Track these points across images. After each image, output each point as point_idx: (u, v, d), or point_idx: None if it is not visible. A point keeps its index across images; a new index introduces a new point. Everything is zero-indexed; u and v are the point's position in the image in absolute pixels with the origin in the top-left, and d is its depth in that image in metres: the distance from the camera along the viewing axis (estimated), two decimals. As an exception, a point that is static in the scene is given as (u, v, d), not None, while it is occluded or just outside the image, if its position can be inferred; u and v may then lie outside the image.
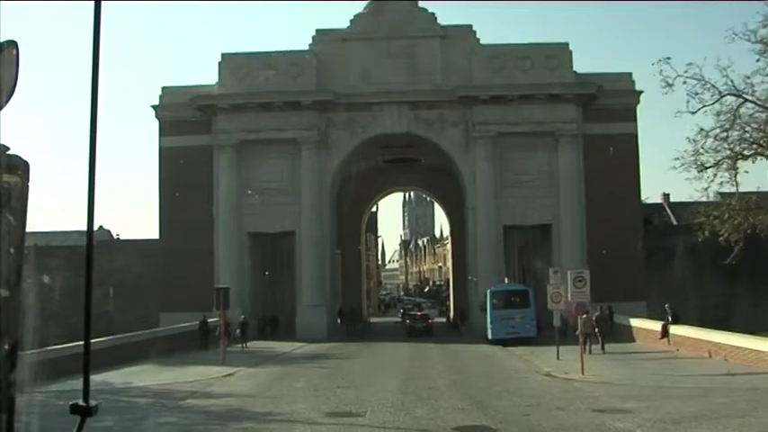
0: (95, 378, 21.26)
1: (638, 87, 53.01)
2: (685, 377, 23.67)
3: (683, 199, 71.32)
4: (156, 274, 50.96)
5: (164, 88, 54.78)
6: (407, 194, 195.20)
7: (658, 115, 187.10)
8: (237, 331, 41.52)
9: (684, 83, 31.07)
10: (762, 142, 32.25)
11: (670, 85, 30.48)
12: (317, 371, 29.82)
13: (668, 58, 31.73)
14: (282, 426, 17.30)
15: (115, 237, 72.94)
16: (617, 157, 49.77)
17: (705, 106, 31.87)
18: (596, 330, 34.57)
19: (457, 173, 54.66)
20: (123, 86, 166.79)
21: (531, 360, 31.53)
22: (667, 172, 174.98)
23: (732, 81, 31.51)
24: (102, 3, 2.29)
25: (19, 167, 2.07)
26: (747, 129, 32.32)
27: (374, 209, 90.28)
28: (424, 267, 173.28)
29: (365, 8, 54.83)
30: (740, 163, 32.96)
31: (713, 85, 31.68)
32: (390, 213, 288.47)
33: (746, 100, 31.64)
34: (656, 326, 36.26)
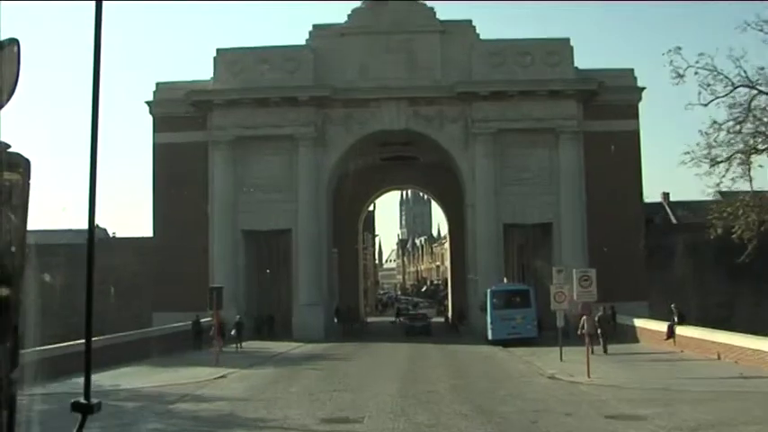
0: (83, 380, 20.57)
1: (638, 85, 52.29)
2: (695, 380, 22.79)
3: (683, 198, 71.77)
4: (150, 272, 50.11)
5: (158, 84, 53.97)
6: (404, 194, 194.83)
7: (658, 114, 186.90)
8: (233, 331, 40.74)
9: (696, 73, 30.02)
10: None
11: (681, 76, 29.51)
12: (312, 373, 28.90)
13: (679, 48, 30.74)
14: (275, 433, 16.44)
15: (111, 235, 71.94)
16: (618, 155, 48.89)
17: (718, 98, 30.85)
18: (598, 331, 33.68)
19: (456, 170, 53.84)
20: (118, 83, 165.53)
21: (533, 362, 30.65)
22: (667, 171, 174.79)
23: (745, 72, 30.54)
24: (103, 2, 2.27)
25: (20, 165, 2.05)
26: (764, 120, 31.22)
27: (371, 207, 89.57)
28: (422, 267, 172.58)
29: (363, 3, 53.91)
30: (754, 157, 31.91)
31: (726, 77, 30.67)
32: (387, 213, 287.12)
33: (760, 92, 30.62)
34: (661, 326, 35.45)
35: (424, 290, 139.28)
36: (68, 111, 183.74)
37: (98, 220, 61.71)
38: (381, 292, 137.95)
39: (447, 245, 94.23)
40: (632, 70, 53.01)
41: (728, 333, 28.75)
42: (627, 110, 51.04)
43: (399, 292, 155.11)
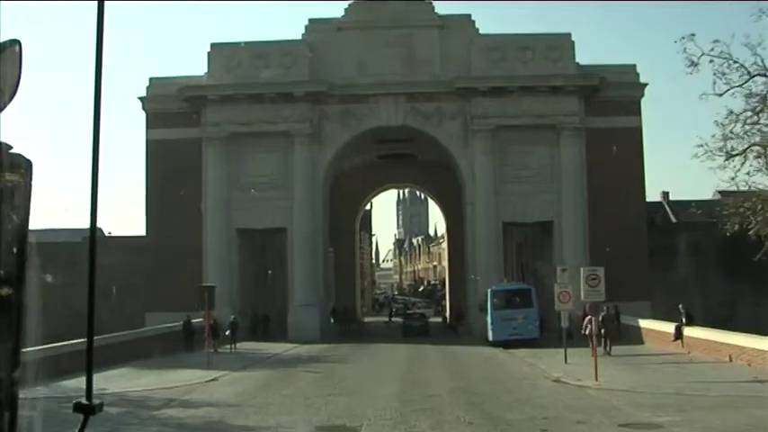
0: (69, 384, 19.39)
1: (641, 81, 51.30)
2: (709, 384, 21.67)
3: (683, 198, 71.05)
4: (142, 272, 49.09)
5: (151, 79, 52.90)
6: (401, 193, 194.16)
7: (656, 112, 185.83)
8: (227, 332, 39.82)
9: (711, 61, 28.80)
10: None
11: (695, 64, 28.27)
12: (307, 375, 27.76)
13: (692, 35, 29.50)
14: (266, 442, 15.34)
15: (107, 234, 70.82)
16: (620, 152, 47.96)
17: (733, 87, 29.58)
18: (602, 331, 32.59)
19: (455, 168, 52.87)
20: (111, 78, 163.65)
21: (536, 364, 29.57)
22: (666, 170, 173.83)
23: (762, 60, 29.31)
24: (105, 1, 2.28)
25: (22, 166, 2.05)
26: None
27: (368, 207, 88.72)
28: (419, 266, 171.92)
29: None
30: None
31: (742, 65, 29.44)
32: (384, 212, 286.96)
33: None
34: (667, 327, 34.45)
35: (421, 290, 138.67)
36: (67, 111, 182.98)
37: (82, 220, 61.25)
38: (378, 291, 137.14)
39: (444, 244, 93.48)
40: (634, 66, 52.17)
41: (740, 334, 27.60)
42: (629, 106, 50.15)
43: (396, 292, 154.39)
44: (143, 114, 52.13)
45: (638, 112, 51.02)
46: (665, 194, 71.35)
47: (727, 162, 30.50)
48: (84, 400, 2.28)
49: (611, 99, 49.32)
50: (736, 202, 32.19)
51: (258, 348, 40.07)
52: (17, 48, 2.11)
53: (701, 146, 30.06)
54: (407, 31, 50.76)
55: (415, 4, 51.50)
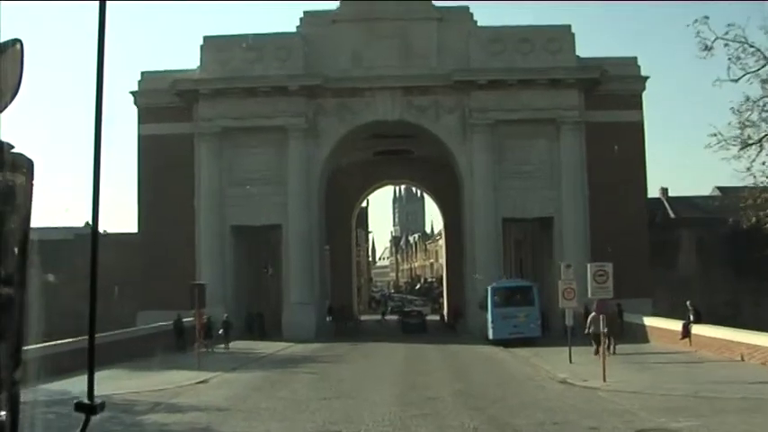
0: (53, 387, 18.31)
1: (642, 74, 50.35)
2: (724, 385, 20.59)
3: (681, 194, 70.29)
4: (134, 270, 47.97)
5: (143, 73, 51.94)
6: (398, 190, 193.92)
7: (654, 107, 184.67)
8: (220, 331, 39.08)
9: (726, 45, 27.57)
10: None
11: (708, 49, 27.06)
12: (302, 377, 26.62)
13: (706, 17, 28.27)
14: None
15: (102, 232, 69.81)
16: (621, 147, 46.98)
17: (748, 73, 28.34)
18: (605, 329, 31.54)
19: (453, 163, 51.87)
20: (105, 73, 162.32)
21: (540, 364, 28.51)
22: (665, 166, 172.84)
23: None
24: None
25: (23, 166, 2.05)
26: None
27: (364, 204, 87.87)
28: (416, 264, 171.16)
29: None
30: None
31: (758, 49, 28.20)
32: (380, 210, 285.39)
33: None
34: (672, 325, 33.44)
35: (417, 287, 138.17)
36: (66, 109, 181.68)
37: (86, 218, 60.46)
38: (375, 289, 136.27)
39: (441, 242, 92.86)
40: (635, 58, 51.22)
41: (753, 333, 26.51)
42: (630, 100, 49.22)
43: (393, 290, 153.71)
44: (135, 109, 51.06)
45: (640, 106, 50.15)
46: (664, 191, 70.65)
47: (741, 152, 29.24)
48: (85, 400, 2.26)
49: (612, 92, 48.43)
50: (753, 193, 30.89)
51: (252, 348, 39.11)
52: (18, 47, 2.10)
53: (714, 135, 28.75)
54: (404, 23, 49.79)
55: (412, -4, 50.48)
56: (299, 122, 49.01)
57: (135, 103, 50.84)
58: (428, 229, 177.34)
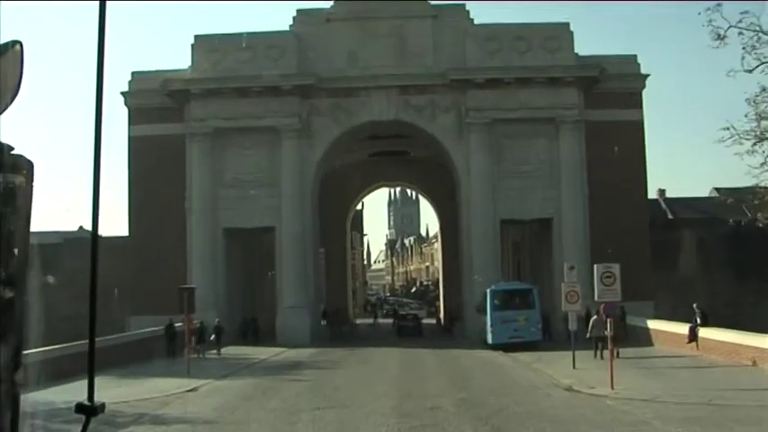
0: (37, 396, 17.31)
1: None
2: (738, 392, 19.62)
3: (678, 195, 69.72)
4: (125, 274, 46.90)
5: (133, 73, 50.87)
6: (393, 193, 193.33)
7: (651, 106, 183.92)
8: (212, 336, 38.14)
9: (740, 34, 26.44)
10: None
11: (721, 38, 25.95)
12: (295, 384, 25.50)
13: (719, 4, 27.11)
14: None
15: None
16: (622, 146, 46.21)
17: (763, 63, 27.20)
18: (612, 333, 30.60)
19: (449, 164, 50.93)
20: (93, 73, 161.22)
21: (542, 369, 27.53)
22: (661, 167, 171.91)
23: None
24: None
25: (23, 167, 2.06)
26: None
27: (359, 206, 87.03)
28: (411, 267, 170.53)
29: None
30: None
31: None
32: (375, 213, 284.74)
33: None
34: (677, 328, 32.53)
35: (413, 291, 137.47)
36: (60, 111, 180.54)
37: (81, 222, 59.69)
38: (370, 293, 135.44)
39: (437, 245, 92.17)
40: (635, 56, 50.42)
41: (763, 336, 25.37)
42: (630, 98, 48.42)
43: (388, 293, 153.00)
44: (125, 110, 50.04)
45: (640, 105, 49.38)
46: (662, 192, 69.95)
47: (756, 146, 28.05)
48: (85, 401, 2.29)
49: (612, 91, 47.64)
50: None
51: (245, 353, 38.18)
52: (18, 49, 2.11)
53: (727, 128, 27.56)
54: (399, 21, 48.98)
55: (407, -6, 49.56)
56: (293, 123, 48.08)
57: (125, 104, 49.84)
58: (423, 232, 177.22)
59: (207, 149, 48.38)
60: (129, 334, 38.82)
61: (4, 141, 2.00)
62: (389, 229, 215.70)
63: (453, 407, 19.31)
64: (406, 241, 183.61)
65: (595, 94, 47.64)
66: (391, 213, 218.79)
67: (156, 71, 50.04)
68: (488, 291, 39.82)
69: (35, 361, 20.52)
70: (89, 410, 2.28)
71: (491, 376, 26.88)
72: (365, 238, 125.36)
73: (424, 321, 61.26)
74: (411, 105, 48.55)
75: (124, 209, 49.49)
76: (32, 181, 2.06)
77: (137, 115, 49.18)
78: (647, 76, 49.33)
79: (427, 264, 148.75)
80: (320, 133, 49.08)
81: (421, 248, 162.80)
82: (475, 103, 47.47)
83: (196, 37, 49.78)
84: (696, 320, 31.07)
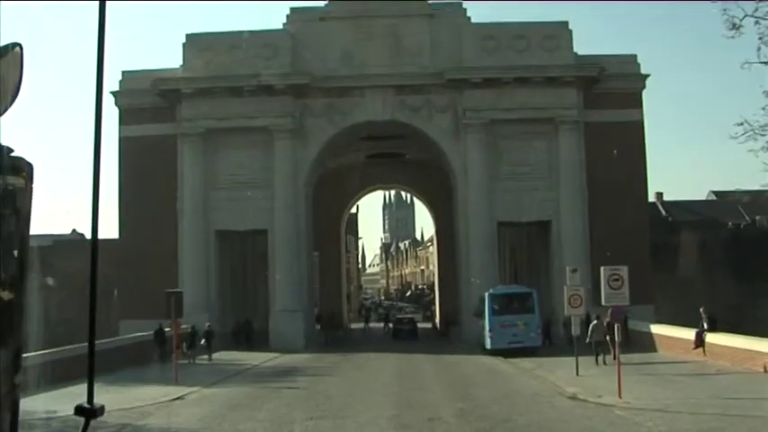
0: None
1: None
2: (756, 401, 18.57)
3: (674, 198, 69.19)
4: (116, 277, 45.90)
5: (124, 73, 49.82)
6: (387, 197, 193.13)
7: (649, 108, 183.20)
8: (202, 341, 37.18)
9: (757, 23, 25.33)
10: None
11: (737, 28, 24.88)
12: (286, 393, 24.34)
13: None
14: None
15: (81, 238, 67.83)
16: (621, 147, 45.53)
17: None
18: (608, 338, 29.64)
19: (446, 165, 50.12)
20: (85, 73, 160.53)
21: (545, 376, 26.48)
22: (658, 170, 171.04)
23: None
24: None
25: (23, 169, 2.05)
26: None
27: (354, 210, 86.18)
28: (406, 271, 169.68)
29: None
30: None
31: None
32: (370, 217, 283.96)
33: None
34: (681, 332, 31.57)
35: (408, 294, 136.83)
36: (59, 112, 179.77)
37: (74, 226, 58.96)
38: (365, 296, 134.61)
39: (432, 248, 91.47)
40: (635, 56, 49.73)
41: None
42: (630, 98, 47.75)
43: (383, 297, 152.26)
44: (115, 110, 49.02)
45: (640, 105, 48.76)
46: (659, 195, 69.43)
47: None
48: (85, 404, 2.27)
49: (611, 91, 47.03)
50: None
51: (236, 359, 37.15)
52: (18, 51, 2.11)
53: (741, 124, 26.41)
54: (395, 20, 48.18)
55: (403, -8, 48.65)
56: (286, 123, 47.23)
57: (116, 104, 48.73)
58: (418, 236, 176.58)
59: (199, 150, 47.57)
60: (117, 339, 37.67)
61: (3, 143, 1.98)
62: (384, 232, 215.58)
63: (454, 417, 18.24)
64: (401, 245, 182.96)
65: (595, 94, 47.07)
66: (386, 217, 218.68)
67: (147, 70, 49.16)
68: (487, 294, 38.77)
69: (34, 364, 20.47)
70: (89, 413, 2.24)
71: (492, 384, 25.77)
72: (360, 242, 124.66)
73: (420, 326, 60.31)
74: (407, 105, 47.72)
75: (114, 211, 48.56)
76: (32, 183, 2.04)
77: (127, 115, 48.24)
78: (647, 76, 48.67)
79: (422, 267, 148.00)
80: (314, 134, 48.24)
81: (416, 252, 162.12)
82: (472, 103, 46.72)
83: (188, 35, 49.05)
84: (703, 325, 30.11)
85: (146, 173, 46.59)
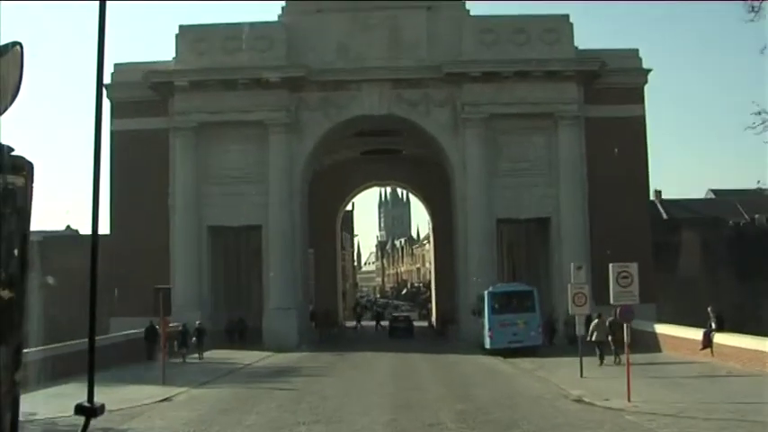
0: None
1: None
2: (770, 405, 17.67)
3: (672, 197, 68.52)
4: (106, 273, 44.87)
5: (116, 65, 48.66)
6: (383, 195, 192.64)
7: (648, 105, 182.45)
8: (193, 339, 36.39)
9: None
10: None
11: (756, 10, 23.94)
12: (278, 394, 23.29)
13: None
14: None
15: (75, 233, 66.92)
16: (623, 143, 44.91)
17: None
18: (609, 338, 28.79)
19: (444, 161, 49.27)
20: (78, 65, 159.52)
21: (547, 378, 25.54)
22: (655, 169, 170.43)
23: None
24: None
25: (23, 168, 2.05)
26: None
27: (349, 207, 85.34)
28: (402, 269, 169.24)
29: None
30: None
31: None
32: (366, 215, 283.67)
33: None
34: (687, 333, 30.69)
35: (404, 292, 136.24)
36: (60, 113, 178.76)
37: (69, 222, 58.30)
38: (360, 294, 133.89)
39: (428, 246, 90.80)
40: (637, 50, 48.87)
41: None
42: (631, 93, 46.92)
43: (379, 295, 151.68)
44: (107, 103, 48.00)
45: (641, 100, 47.85)
46: (658, 193, 68.69)
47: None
48: (85, 402, 2.26)
49: (613, 86, 46.14)
50: None
51: (228, 357, 36.27)
52: (18, 50, 2.10)
53: (759, 113, 25.43)
54: (392, 12, 47.27)
55: (401, -15, 47.74)
56: (281, 117, 46.32)
57: (107, 97, 47.53)
58: (414, 234, 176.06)
59: (191, 144, 46.70)
60: (106, 337, 36.68)
61: (3, 142, 1.97)
62: (380, 230, 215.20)
63: (454, 422, 17.25)
64: (397, 243, 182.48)
65: (596, 88, 46.19)
66: (382, 215, 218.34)
67: (139, 62, 48.27)
68: (486, 293, 37.84)
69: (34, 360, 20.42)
70: (89, 411, 2.22)
71: (492, 385, 24.76)
72: (355, 239, 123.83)
73: (416, 324, 59.61)
74: (404, 99, 46.83)
75: (105, 206, 47.58)
76: (32, 182, 2.02)
77: (119, 108, 47.00)
78: (650, 70, 47.78)
79: (418, 265, 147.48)
80: (309, 128, 47.34)
81: (412, 250, 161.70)
82: (471, 98, 45.86)
83: (181, 27, 48.09)
84: (711, 325, 29.19)
85: (137, 167, 45.67)
